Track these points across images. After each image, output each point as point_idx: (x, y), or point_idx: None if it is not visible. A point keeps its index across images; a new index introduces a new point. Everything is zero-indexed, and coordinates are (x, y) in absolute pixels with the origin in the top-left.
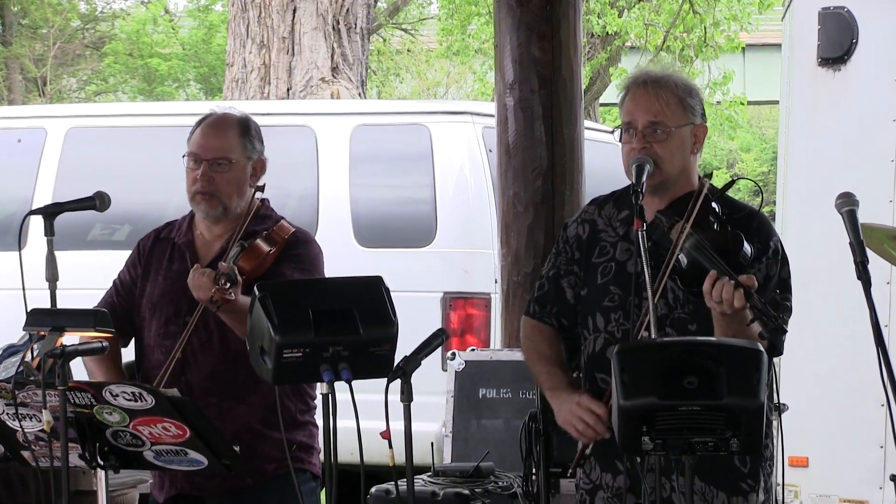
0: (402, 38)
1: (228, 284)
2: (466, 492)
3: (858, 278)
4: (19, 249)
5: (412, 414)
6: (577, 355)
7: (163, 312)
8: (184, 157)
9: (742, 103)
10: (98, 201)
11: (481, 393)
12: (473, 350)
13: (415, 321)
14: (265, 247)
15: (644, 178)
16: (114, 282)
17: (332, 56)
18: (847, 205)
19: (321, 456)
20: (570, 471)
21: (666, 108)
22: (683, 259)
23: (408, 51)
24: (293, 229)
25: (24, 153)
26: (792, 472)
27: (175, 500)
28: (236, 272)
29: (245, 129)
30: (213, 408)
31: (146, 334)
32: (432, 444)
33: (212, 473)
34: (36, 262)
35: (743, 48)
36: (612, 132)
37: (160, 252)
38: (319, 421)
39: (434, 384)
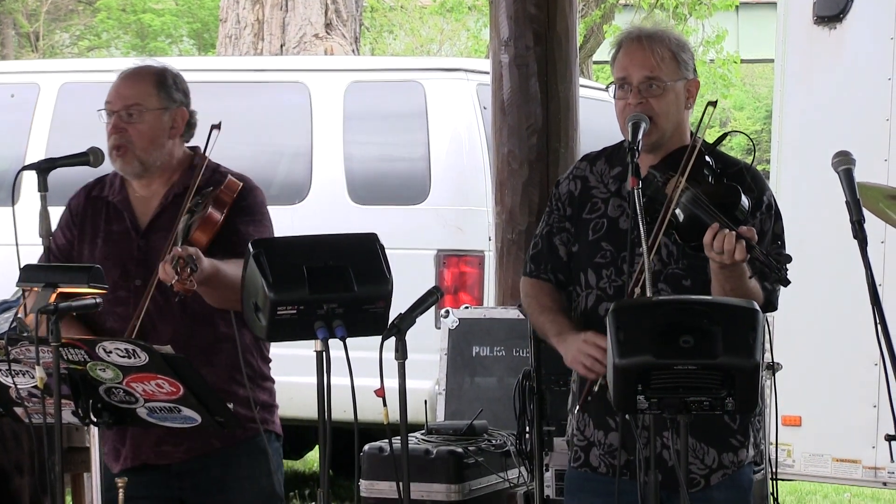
0: None
1: (189, 270)
2: (460, 450)
3: (855, 237)
4: (13, 205)
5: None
6: (570, 312)
7: (109, 276)
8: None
9: (735, 62)
10: (92, 157)
11: (475, 351)
12: (467, 308)
13: (408, 279)
14: (217, 214)
15: (640, 135)
16: (47, 247)
17: (326, 12)
18: (844, 163)
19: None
20: (578, 407)
21: (661, 63)
22: (680, 214)
23: (401, 7)
24: (240, 184)
25: (17, 108)
26: (785, 432)
27: (139, 469)
28: (193, 258)
29: (161, 78)
30: None
31: None
32: (426, 401)
33: (180, 440)
34: (28, 218)
35: (736, 6)
36: (606, 88)
37: (95, 212)
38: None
39: (427, 342)
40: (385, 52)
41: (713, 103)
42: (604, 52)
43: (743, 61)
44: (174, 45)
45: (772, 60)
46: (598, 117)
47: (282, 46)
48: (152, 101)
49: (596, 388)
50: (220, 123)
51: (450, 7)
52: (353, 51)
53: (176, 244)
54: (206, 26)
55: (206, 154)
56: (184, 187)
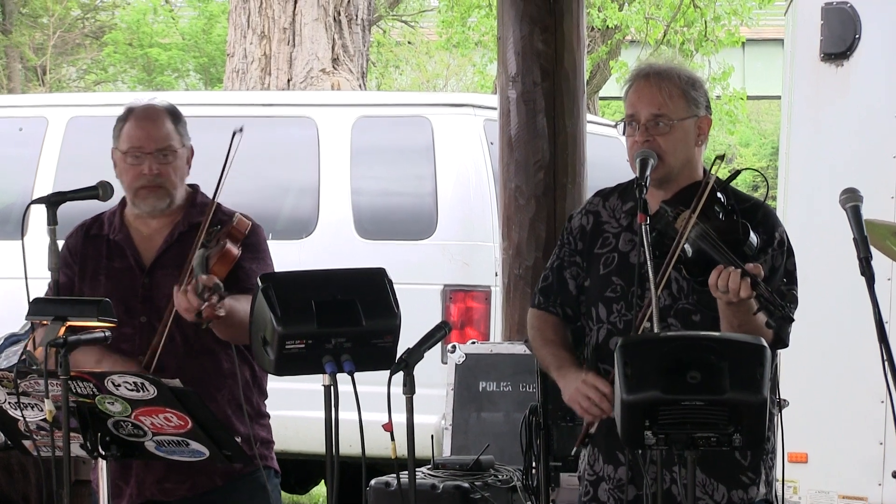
0: (402, 29)
1: (217, 298)
2: (466, 485)
3: (862, 274)
4: (22, 238)
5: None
6: (583, 346)
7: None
8: (116, 152)
9: (742, 98)
10: (101, 191)
11: (481, 386)
12: (474, 343)
13: (415, 313)
14: (235, 249)
15: (648, 171)
16: (49, 284)
17: (333, 47)
18: (851, 200)
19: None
20: (574, 450)
21: (669, 101)
22: (689, 249)
23: (408, 42)
24: (249, 222)
25: (25, 142)
26: (791, 468)
27: None
28: (220, 286)
29: (176, 116)
30: None
31: None
32: (432, 436)
33: (184, 477)
34: (36, 251)
35: (743, 43)
36: (616, 126)
37: (95, 250)
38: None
39: (434, 377)
40: (391, 87)
41: (721, 157)
42: (610, 87)
43: (749, 98)
44: (181, 79)
45: (778, 97)
46: (605, 153)
47: (289, 81)
48: (177, 140)
49: (592, 431)
50: (242, 127)
51: (456, 42)
52: (359, 86)
53: (191, 277)
54: (212, 61)
55: (229, 159)
56: (189, 225)
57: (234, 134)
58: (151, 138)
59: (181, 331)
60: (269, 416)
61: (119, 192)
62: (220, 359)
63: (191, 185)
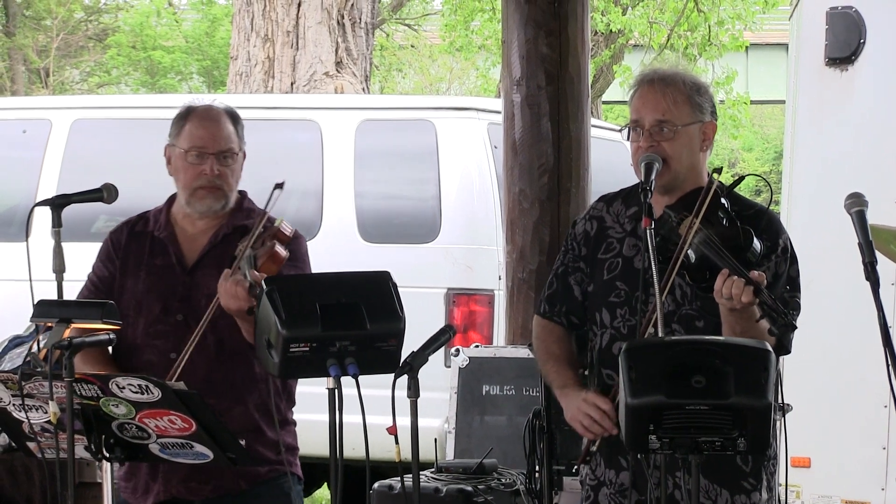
0: (405, 33)
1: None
2: (469, 488)
3: (867, 279)
4: (27, 240)
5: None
6: (586, 352)
7: (150, 310)
8: (175, 149)
9: (745, 102)
10: (105, 193)
11: (485, 389)
12: (477, 346)
13: (418, 317)
14: (283, 251)
15: (653, 176)
16: (89, 277)
17: (337, 50)
18: (856, 205)
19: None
20: (576, 467)
21: (673, 107)
22: (692, 254)
23: (411, 46)
24: (293, 229)
25: (29, 144)
26: (794, 473)
27: (168, 503)
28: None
29: (236, 119)
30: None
31: (130, 333)
32: (435, 440)
33: (208, 477)
34: (39, 253)
35: (746, 47)
36: (620, 130)
37: (138, 246)
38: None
39: (437, 380)
40: (394, 90)
41: (718, 170)
42: (613, 92)
43: (752, 102)
44: (184, 82)
45: (781, 101)
46: (609, 157)
47: (292, 84)
48: (236, 143)
49: (594, 448)
50: (283, 183)
51: (459, 46)
52: (363, 89)
53: (235, 274)
54: (215, 63)
55: (268, 208)
56: (233, 227)
57: (274, 188)
58: (215, 139)
59: (215, 333)
60: (295, 424)
61: (120, 195)
62: (251, 363)
63: (240, 191)
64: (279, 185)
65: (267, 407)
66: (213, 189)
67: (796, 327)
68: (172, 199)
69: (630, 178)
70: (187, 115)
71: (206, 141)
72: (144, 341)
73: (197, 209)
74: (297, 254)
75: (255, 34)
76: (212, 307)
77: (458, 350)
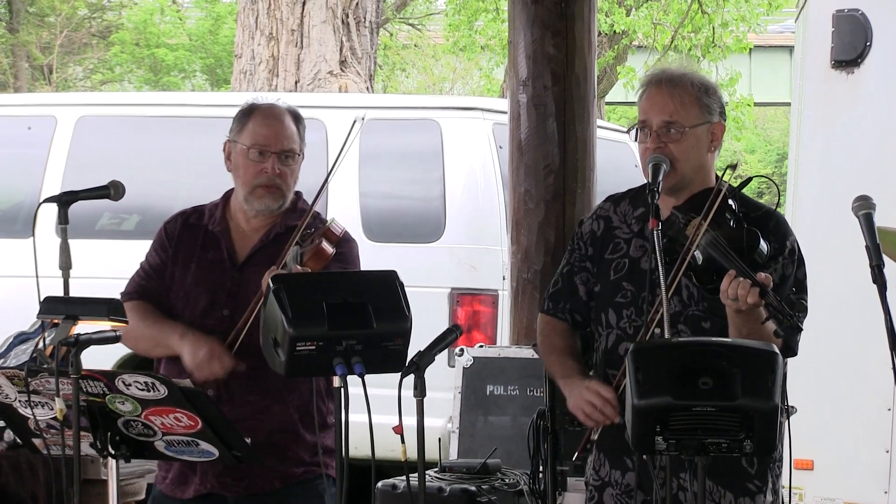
0: (408, 32)
1: None
2: (473, 488)
3: (874, 282)
4: (33, 237)
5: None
6: (591, 352)
7: (197, 303)
8: (236, 145)
9: (749, 104)
10: (112, 190)
11: (489, 389)
12: (482, 346)
13: (422, 316)
14: (329, 248)
15: (660, 177)
16: (142, 264)
17: (341, 49)
18: (864, 208)
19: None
20: (575, 457)
21: (681, 108)
22: (699, 255)
23: (415, 46)
24: (343, 229)
25: (34, 141)
26: (797, 475)
27: (205, 497)
28: None
29: (298, 119)
30: (251, 406)
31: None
32: (439, 439)
33: (243, 475)
34: (43, 250)
35: (750, 49)
36: (628, 131)
37: (191, 238)
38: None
39: (441, 380)
40: (397, 90)
41: (733, 167)
42: (616, 92)
43: (755, 104)
44: (187, 79)
45: (784, 104)
46: (614, 158)
47: (296, 83)
48: (298, 144)
49: (595, 437)
50: (364, 116)
51: (463, 46)
52: (367, 88)
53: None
54: (218, 61)
55: (348, 143)
56: (285, 227)
57: (354, 121)
58: (278, 138)
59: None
60: (332, 426)
61: (129, 191)
62: None
63: (295, 192)
64: (362, 119)
65: (307, 408)
66: (273, 188)
67: (802, 329)
68: (229, 194)
69: (634, 178)
70: (251, 112)
71: (269, 139)
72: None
73: (255, 207)
74: (348, 256)
75: (259, 32)
76: (258, 304)
77: (462, 350)
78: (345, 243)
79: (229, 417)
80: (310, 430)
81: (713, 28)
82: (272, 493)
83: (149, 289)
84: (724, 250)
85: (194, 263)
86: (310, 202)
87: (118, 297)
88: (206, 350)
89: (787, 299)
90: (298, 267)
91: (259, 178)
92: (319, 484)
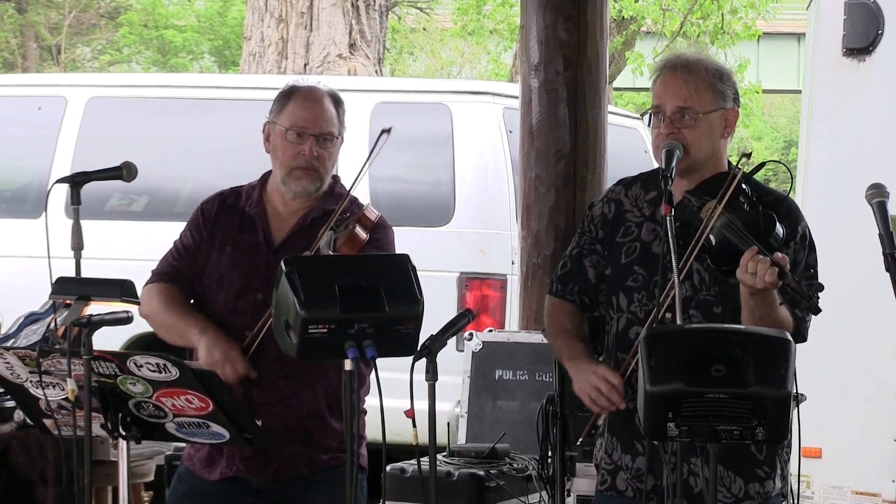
0: (416, 16)
1: None
2: (481, 473)
3: (887, 270)
4: (45, 218)
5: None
6: (600, 337)
7: (231, 286)
8: (275, 126)
9: (757, 91)
10: (125, 171)
11: (498, 374)
12: (491, 331)
13: (430, 301)
14: (363, 234)
15: (674, 163)
16: (175, 243)
17: (350, 32)
18: (877, 196)
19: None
20: (580, 440)
21: (695, 94)
22: (713, 238)
23: (423, 29)
24: (378, 214)
25: (44, 121)
26: (805, 463)
27: (230, 480)
28: None
29: (339, 102)
30: (279, 391)
31: (210, 305)
32: (448, 424)
33: (269, 459)
34: (53, 231)
35: (758, 37)
36: (641, 116)
37: (227, 219)
38: None
39: (450, 364)
40: (405, 73)
41: (747, 155)
42: (624, 78)
43: (763, 91)
44: (195, 61)
45: (791, 91)
46: (625, 143)
47: (305, 66)
48: (337, 127)
49: (600, 423)
50: (390, 128)
51: (471, 30)
52: (376, 71)
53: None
54: (227, 43)
55: (373, 155)
56: (322, 211)
57: (381, 132)
58: (316, 120)
59: None
60: (365, 412)
61: (140, 171)
62: None
63: (333, 176)
64: (386, 131)
65: (336, 395)
66: (310, 170)
67: (820, 310)
68: (266, 176)
69: (644, 164)
70: (290, 93)
71: (308, 122)
72: (223, 317)
73: (292, 189)
74: (383, 242)
75: (269, 15)
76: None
77: (471, 334)
78: (380, 229)
79: (258, 402)
80: (337, 417)
81: (722, 15)
82: (298, 478)
83: (180, 270)
84: (741, 232)
85: (230, 245)
86: (347, 187)
87: (149, 275)
88: (221, 353)
89: (806, 281)
90: (331, 252)
91: (297, 160)
92: (345, 470)
